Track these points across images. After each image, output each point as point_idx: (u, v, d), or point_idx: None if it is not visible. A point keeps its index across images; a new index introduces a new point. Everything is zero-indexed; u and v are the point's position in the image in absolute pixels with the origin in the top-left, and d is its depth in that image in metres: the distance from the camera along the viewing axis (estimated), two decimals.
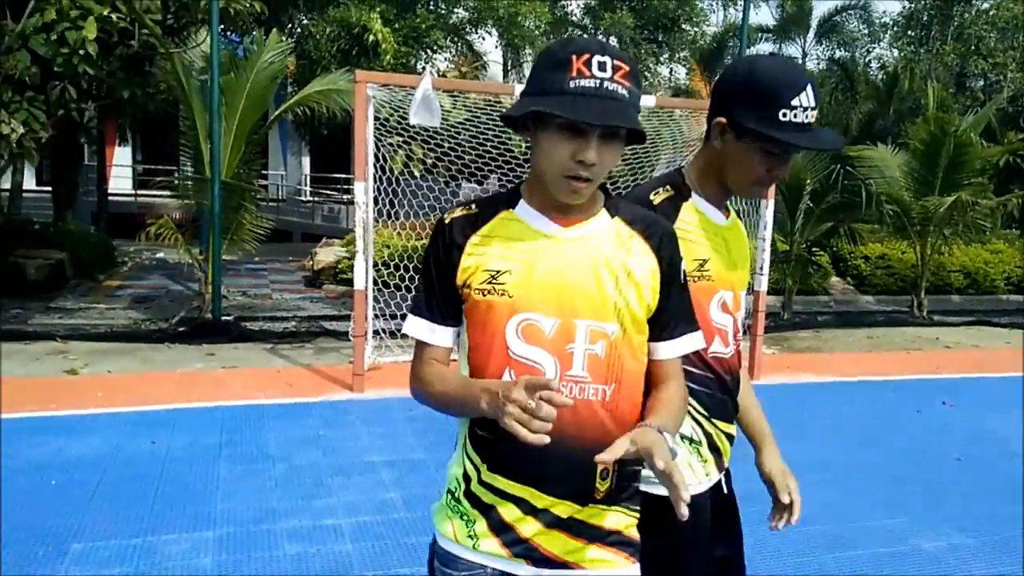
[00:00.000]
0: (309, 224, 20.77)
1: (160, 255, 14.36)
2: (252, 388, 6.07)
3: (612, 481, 1.46)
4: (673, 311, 1.52)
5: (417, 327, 1.52)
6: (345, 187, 20.33)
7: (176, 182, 10.74)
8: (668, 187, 1.71)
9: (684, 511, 1.20)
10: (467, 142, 8.36)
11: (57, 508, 3.75)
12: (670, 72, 18.65)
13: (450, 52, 16.79)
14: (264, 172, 22.92)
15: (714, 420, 1.76)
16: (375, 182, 7.41)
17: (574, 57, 1.34)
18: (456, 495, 1.51)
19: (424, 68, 14.43)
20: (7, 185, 13.97)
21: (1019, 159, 15.53)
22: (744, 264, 1.80)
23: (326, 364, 6.94)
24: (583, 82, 1.32)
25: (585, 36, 18.28)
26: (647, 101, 6.43)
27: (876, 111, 22.43)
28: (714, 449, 1.78)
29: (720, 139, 1.69)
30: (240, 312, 9.46)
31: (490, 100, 8.50)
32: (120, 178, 22.51)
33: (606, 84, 1.33)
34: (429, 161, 10.42)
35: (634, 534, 1.52)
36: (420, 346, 1.53)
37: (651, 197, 1.68)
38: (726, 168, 1.70)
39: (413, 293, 1.54)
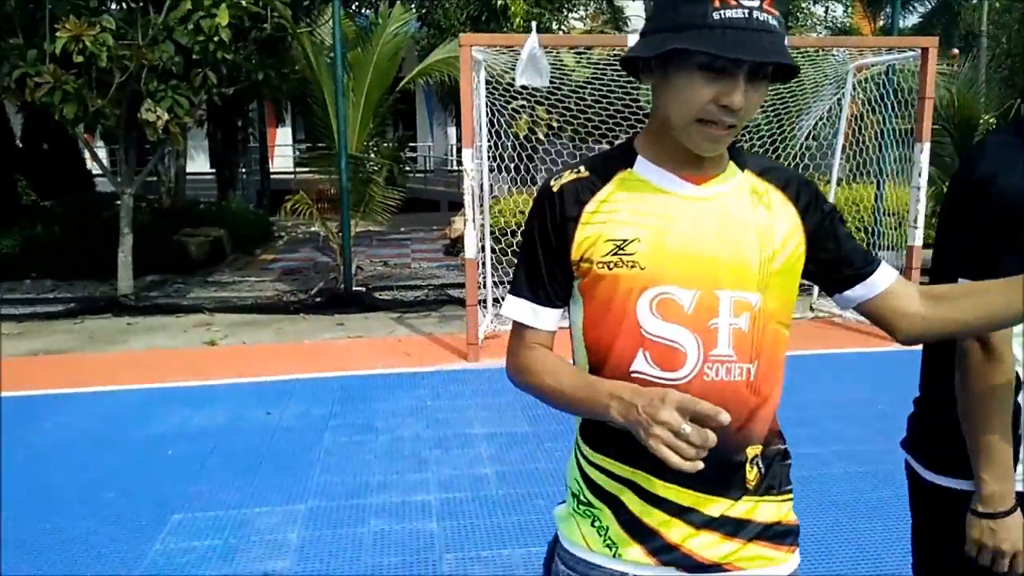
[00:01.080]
0: (456, 193, 21.09)
1: (314, 229, 15.09)
2: (372, 358, 6.16)
3: (761, 468, 1.30)
4: (847, 252, 1.33)
5: (518, 309, 1.34)
6: (491, 152, 20.43)
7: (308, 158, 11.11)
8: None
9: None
10: (596, 102, 8.03)
11: (169, 478, 3.92)
12: (826, 11, 17.18)
13: (585, 10, 16.30)
14: (412, 144, 23.55)
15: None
16: (495, 148, 7.30)
17: None
18: (582, 498, 1.35)
19: (559, 29, 14.10)
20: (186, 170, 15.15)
21: None
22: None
23: (447, 332, 6.95)
24: (730, 13, 1.13)
25: None
26: None
27: None
28: None
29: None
30: (378, 282, 9.72)
31: (617, 54, 8.12)
32: (282, 157, 23.80)
33: (755, 14, 1.13)
34: (556, 125, 10.19)
35: (792, 519, 1.35)
36: (520, 329, 1.36)
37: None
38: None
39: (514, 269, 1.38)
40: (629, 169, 1.29)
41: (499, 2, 11.77)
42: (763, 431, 1.30)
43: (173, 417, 4.82)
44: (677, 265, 1.23)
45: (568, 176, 1.31)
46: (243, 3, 7.82)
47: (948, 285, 1.36)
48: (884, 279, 1.34)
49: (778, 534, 1.32)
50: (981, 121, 8.79)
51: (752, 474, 1.28)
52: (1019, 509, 1.44)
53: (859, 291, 1.34)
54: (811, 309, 7.56)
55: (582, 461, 1.35)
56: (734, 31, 1.12)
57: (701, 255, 1.23)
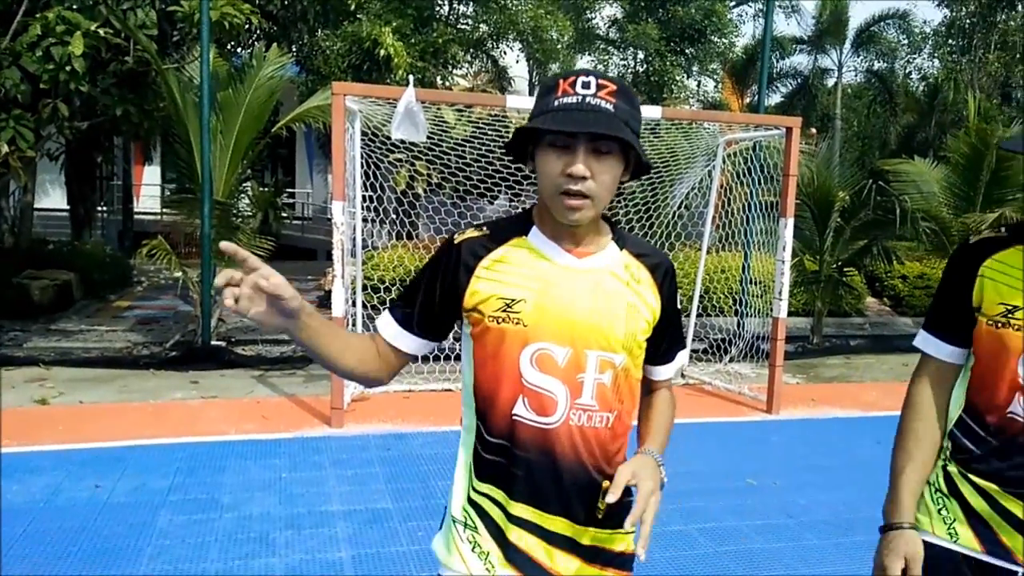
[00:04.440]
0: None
1: (178, 274, 14.23)
2: (225, 421, 5.68)
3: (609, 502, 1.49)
4: (669, 336, 1.63)
5: (386, 327, 1.56)
6: (368, 204, 20.07)
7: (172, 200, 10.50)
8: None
9: (641, 553, 1.39)
10: (475, 160, 7.94)
11: None
12: (698, 85, 18.08)
13: (470, 67, 16.44)
14: (291, 190, 22.89)
15: None
16: (372, 200, 7.05)
17: (561, 81, 1.41)
18: (468, 522, 1.52)
19: (443, 84, 14.11)
20: (39, 205, 13.95)
21: None
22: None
23: (312, 394, 6.53)
24: (566, 99, 1.39)
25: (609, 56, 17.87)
26: (651, 112, 5.94)
27: (916, 124, 21.57)
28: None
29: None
30: (242, 335, 9.14)
31: (497, 115, 8.09)
32: (149, 197, 22.57)
33: (588, 99, 1.38)
34: (436, 180, 10.06)
35: (631, 549, 1.57)
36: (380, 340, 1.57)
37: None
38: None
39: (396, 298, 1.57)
40: (524, 236, 1.52)
41: (382, 52, 11.63)
42: (615, 470, 1.47)
43: None
44: (554, 325, 1.45)
45: (471, 233, 1.53)
46: (101, 32, 7.32)
47: (658, 407, 1.68)
48: (665, 373, 1.68)
49: (624, 561, 1.56)
50: (837, 199, 9.29)
51: (603, 505, 1.45)
52: (900, 532, 1.63)
53: (651, 369, 1.66)
54: (682, 375, 7.63)
55: (471, 491, 1.53)
56: (566, 112, 1.38)
57: (574, 319, 1.45)
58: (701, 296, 8.00)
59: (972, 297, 1.62)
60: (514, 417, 1.46)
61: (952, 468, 1.67)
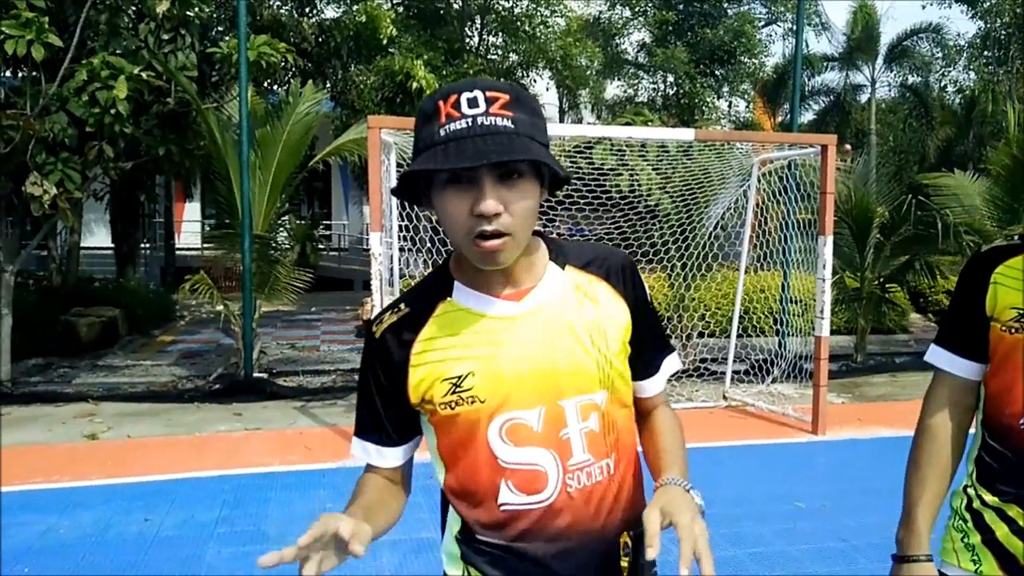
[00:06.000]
0: (370, 272, 20.79)
1: (220, 308, 14.47)
2: (268, 453, 5.74)
3: (631, 553, 1.32)
4: (649, 342, 1.39)
5: (363, 450, 1.36)
6: (404, 234, 20.28)
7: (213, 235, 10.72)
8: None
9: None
10: None
11: None
12: (729, 105, 18.05)
13: None
14: (327, 222, 23.24)
15: None
16: (407, 231, 7.13)
17: (441, 103, 1.16)
18: None
19: None
20: (85, 244, 14.36)
21: None
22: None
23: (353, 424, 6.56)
24: (453, 125, 1.14)
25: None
26: (684, 134, 5.94)
27: (954, 137, 21.24)
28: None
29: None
30: (283, 366, 9.26)
31: None
32: (190, 233, 23.07)
33: (479, 120, 1.14)
34: None
35: None
36: (369, 467, 1.37)
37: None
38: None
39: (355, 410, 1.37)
40: (448, 298, 1.29)
41: (414, 85, 11.81)
42: (630, 516, 1.31)
43: (35, 526, 4.28)
44: (516, 389, 1.23)
45: (388, 319, 1.30)
46: (144, 76, 7.54)
47: (662, 427, 1.42)
48: (654, 387, 1.43)
49: None
50: (876, 215, 9.18)
51: (625, 562, 1.30)
52: (917, 564, 1.58)
53: (639, 386, 1.41)
54: (724, 398, 7.54)
55: (478, 545, 1.32)
56: (456, 142, 1.12)
57: (537, 372, 1.24)
58: (741, 317, 7.92)
59: (985, 306, 1.55)
60: (502, 508, 1.26)
61: (974, 493, 1.59)
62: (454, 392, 1.24)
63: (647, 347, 1.38)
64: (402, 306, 1.31)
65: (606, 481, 1.28)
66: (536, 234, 1.30)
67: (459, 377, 1.24)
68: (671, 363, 1.45)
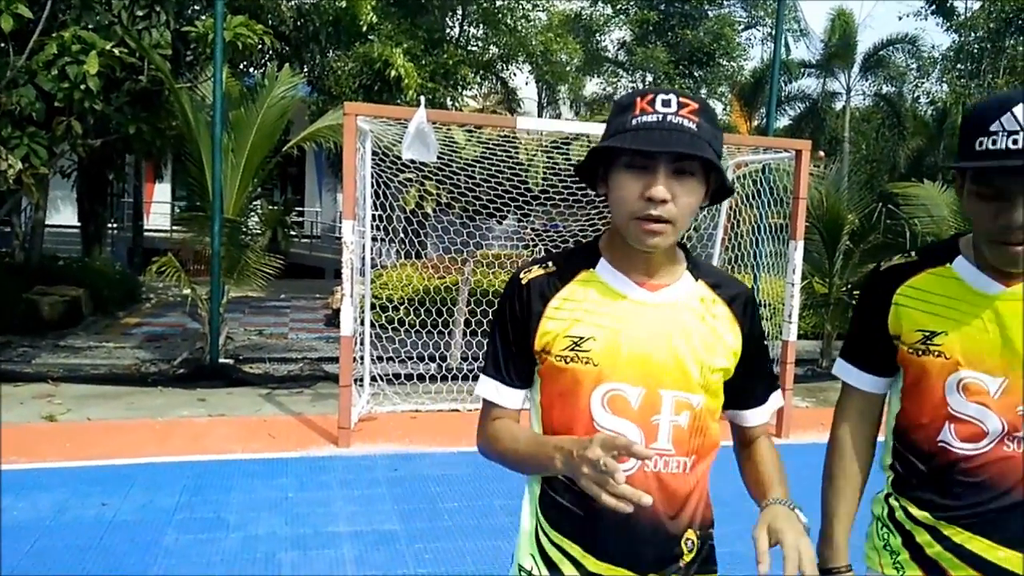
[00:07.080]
0: (341, 261, 20.62)
1: (187, 292, 14.26)
2: (231, 440, 5.66)
3: (693, 548, 1.43)
4: (759, 375, 1.51)
5: (485, 387, 1.48)
6: (378, 224, 20.13)
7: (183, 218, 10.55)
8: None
9: None
10: (485, 180, 7.97)
11: None
12: None
13: (480, 88, 16.54)
14: (300, 208, 22.99)
15: None
16: (381, 220, 7.08)
17: (638, 99, 1.32)
18: (529, 572, 1.45)
19: (453, 105, 14.19)
20: (51, 222, 14.05)
21: None
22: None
23: (320, 413, 6.51)
24: (645, 117, 1.30)
25: (657, 85, 17.95)
26: None
27: (925, 148, 21.57)
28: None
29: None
30: (249, 352, 9.15)
31: (506, 136, 8.13)
32: (159, 214, 22.73)
33: (669, 117, 1.29)
34: (445, 200, 10.09)
35: None
36: (487, 406, 1.50)
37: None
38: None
39: (485, 349, 1.52)
40: (592, 270, 1.43)
41: (393, 73, 11.72)
42: (697, 517, 1.43)
43: None
44: (627, 365, 1.36)
45: (536, 271, 1.44)
46: (116, 52, 7.39)
47: (763, 454, 1.53)
48: (758, 418, 1.54)
49: None
50: (847, 221, 9.28)
51: (687, 554, 1.41)
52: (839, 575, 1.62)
53: (742, 415, 1.54)
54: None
55: (543, 538, 1.43)
56: (647, 131, 1.28)
57: (648, 357, 1.36)
58: None
59: (888, 325, 1.57)
60: None
61: (894, 502, 1.61)
62: (572, 349, 1.37)
63: (756, 379, 1.51)
64: (550, 264, 1.45)
65: (682, 476, 1.39)
66: (679, 246, 1.45)
67: (581, 338, 1.37)
68: (776, 398, 1.57)
